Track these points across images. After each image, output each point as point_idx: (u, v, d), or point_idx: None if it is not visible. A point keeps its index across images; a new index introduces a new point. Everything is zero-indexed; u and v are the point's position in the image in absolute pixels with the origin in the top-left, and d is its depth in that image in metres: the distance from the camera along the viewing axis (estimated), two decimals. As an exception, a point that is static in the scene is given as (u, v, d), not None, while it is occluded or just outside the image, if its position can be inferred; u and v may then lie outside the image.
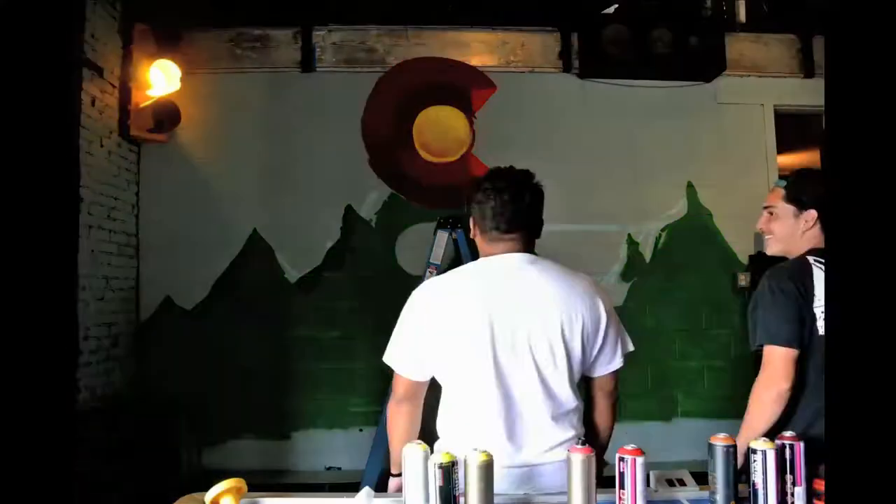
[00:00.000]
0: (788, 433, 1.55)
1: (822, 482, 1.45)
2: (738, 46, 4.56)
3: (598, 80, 4.47)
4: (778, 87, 4.61)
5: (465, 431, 1.63)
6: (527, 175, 1.74)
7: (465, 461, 1.39)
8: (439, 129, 4.41)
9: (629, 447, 1.47)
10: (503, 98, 4.45)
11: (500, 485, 1.46)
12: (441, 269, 3.53)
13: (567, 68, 4.49)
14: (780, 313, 1.77)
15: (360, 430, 4.25)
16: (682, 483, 1.66)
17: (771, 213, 1.96)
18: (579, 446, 1.45)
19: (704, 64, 4.34)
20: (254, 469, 4.08)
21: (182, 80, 4.04)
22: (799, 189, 1.91)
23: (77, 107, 3.55)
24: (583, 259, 4.38)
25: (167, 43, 4.02)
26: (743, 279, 4.36)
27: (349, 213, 4.35)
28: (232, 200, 4.30)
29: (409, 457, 1.44)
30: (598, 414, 1.81)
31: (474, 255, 2.67)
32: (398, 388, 1.82)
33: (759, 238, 4.44)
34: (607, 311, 1.73)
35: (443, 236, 3.59)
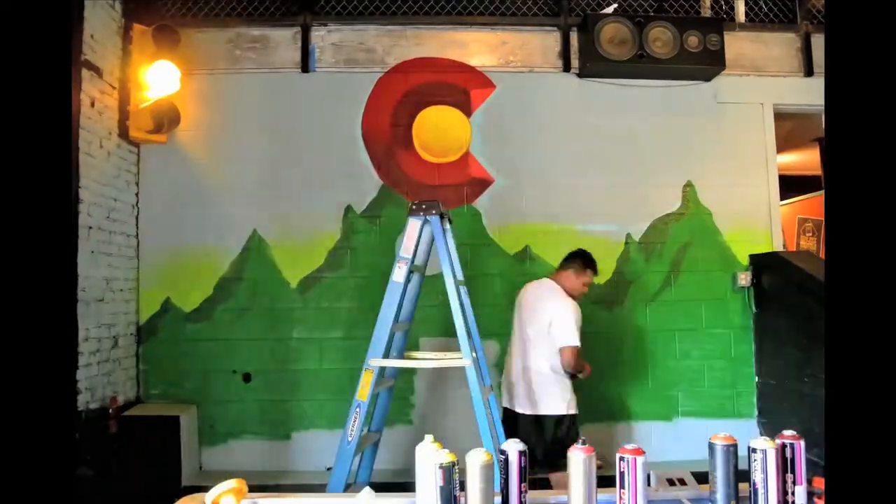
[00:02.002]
0: (789, 432, 1.55)
1: (822, 481, 1.45)
2: (738, 45, 4.56)
3: (598, 79, 4.47)
4: (777, 86, 4.61)
5: None
6: None
7: (466, 461, 1.39)
8: (439, 130, 4.41)
9: (630, 447, 1.47)
10: (503, 98, 4.45)
11: None
12: (413, 264, 3.02)
13: (567, 68, 4.50)
14: None
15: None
16: (682, 482, 1.66)
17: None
18: (580, 446, 1.45)
19: (704, 63, 4.34)
20: (254, 469, 4.08)
21: (181, 80, 4.04)
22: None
23: (76, 108, 3.55)
24: (583, 259, 4.39)
25: (166, 43, 4.01)
26: (743, 278, 4.36)
27: (349, 213, 4.35)
28: (232, 200, 4.30)
29: (422, 456, 1.45)
30: None
31: (447, 250, 3.00)
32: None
33: (758, 237, 4.46)
34: None
35: (415, 225, 2.98)
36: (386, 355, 3.06)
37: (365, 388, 2.94)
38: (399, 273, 2.98)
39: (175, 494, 1.63)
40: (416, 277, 3.34)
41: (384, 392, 3.40)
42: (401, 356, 3.30)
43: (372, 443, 3.42)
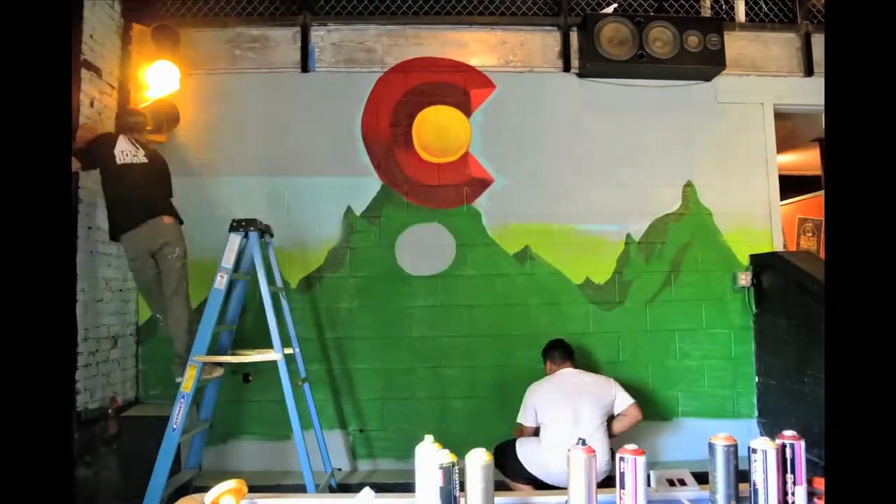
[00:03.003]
0: (789, 432, 1.55)
1: (822, 481, 1.45)
2: (738, 45, 4.56)
3: (598, 79, 4.47)
4: (777, 85, 4.60)
5: None
6: None
7: (466, 461, 1.39)
8: (439, 130, 4.41)
9: (630, 447, 1.47)
10: (503, 98, 4.45)
11: None
12: (233, 273, 3.40)
13: (567, 68, 4.49)
14: None
15: (361, 431, 4.25)
16: (682, 483, 1.66)
17: None
18: (580, 446, 1.45)
19: (704, 63, 4.34)
20: (254, 469, 4.08)
21: (181, 80, 4.04)
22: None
23: (76, 108, 3.55)
24: (583, 259, 4.40)
25: (166, 43, 4.01)
26: (743, 278, 4.36)
27: (349, 213, 4.35)
28: (230, 201, 4.29)
29: (422, 456, 1.45)
30: None
31: (266, 261, 3.47)
32: None
33: (758, 237, 4.46)
34: None
35: (235, 239, 3.39)
36: (211, 353, 3.46)
37: (188, 381, 3.29)
38: (220, 281, 3.36)
39: (175, 495, 1.63)
40: (241, 284, 3.78)
41: (213, 384, 3.81)
42: (227, 353, 3.72)
43: (200, 430, 3.83)
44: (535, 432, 3.53)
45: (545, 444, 3.39)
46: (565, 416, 3.40)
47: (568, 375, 3.64)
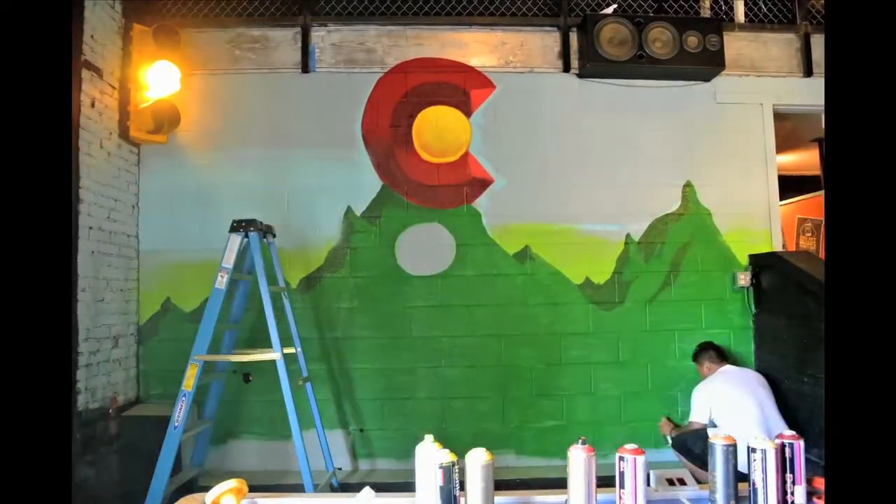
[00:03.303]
0: (789, 432, 1.55)
1: (822, 481, 1.45)
2: (737, 46, 4.57)
3: (597, 79, 4.47)
4: (777, 86, 4.61)
5: None
6: None
7: (466, 461, 1.39)
8: (438, 130, 4.41)
9: (629, 447, 1.47)
10: (503, 98, 4.45)
11: None
12: (234, 273, 3.44)
13: (566, 68, 4.50)
14: None
15: (361, 431, 4.25)
16: (682, 482, 1.66)
17: None
18: (580, 446, 1.45)
19: (703, 63, 4.34)
20: (254, 469, 4.08)
21: (182, 80, 4.04)
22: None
23: (76, 108, 3.55)
24: (583, 259, 4.40)
25: (167, 43, 4.01)
26: (742, 278, 4.36)
27: (349, 213, 4.35)
28: (231, 201, 4.29)
29: (422, 456, 1.45)
30: None
31: (267, 260, 3.50)
32: None
33: (758, 237, 4.46)
34: None
35: (235, 240, 3.43)
36: (213, 352, 3.50)
37: (190, 380, 3.33)
38: (221, 281, 3.39)
39: (175, 494, 1.63)
40: (243, 284, 3.82)
41: (216, 383, 3.86)
42: (230, 352, 3.77)
43: (203, 429, 3.85)
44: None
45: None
46: (750, 410, 3.56)
47: (734, 372, 3.85)
